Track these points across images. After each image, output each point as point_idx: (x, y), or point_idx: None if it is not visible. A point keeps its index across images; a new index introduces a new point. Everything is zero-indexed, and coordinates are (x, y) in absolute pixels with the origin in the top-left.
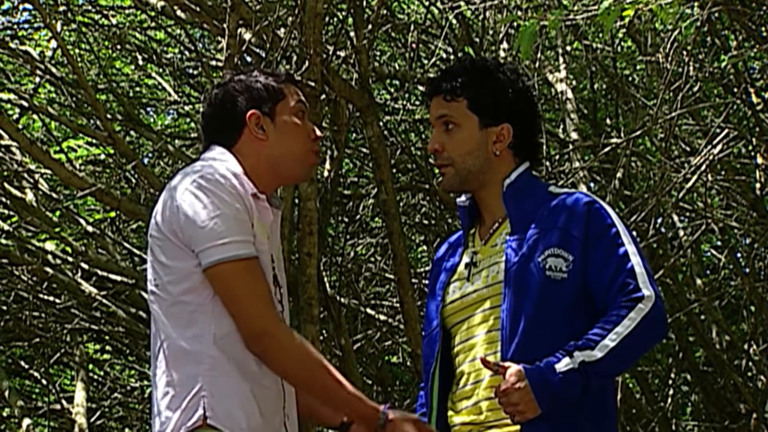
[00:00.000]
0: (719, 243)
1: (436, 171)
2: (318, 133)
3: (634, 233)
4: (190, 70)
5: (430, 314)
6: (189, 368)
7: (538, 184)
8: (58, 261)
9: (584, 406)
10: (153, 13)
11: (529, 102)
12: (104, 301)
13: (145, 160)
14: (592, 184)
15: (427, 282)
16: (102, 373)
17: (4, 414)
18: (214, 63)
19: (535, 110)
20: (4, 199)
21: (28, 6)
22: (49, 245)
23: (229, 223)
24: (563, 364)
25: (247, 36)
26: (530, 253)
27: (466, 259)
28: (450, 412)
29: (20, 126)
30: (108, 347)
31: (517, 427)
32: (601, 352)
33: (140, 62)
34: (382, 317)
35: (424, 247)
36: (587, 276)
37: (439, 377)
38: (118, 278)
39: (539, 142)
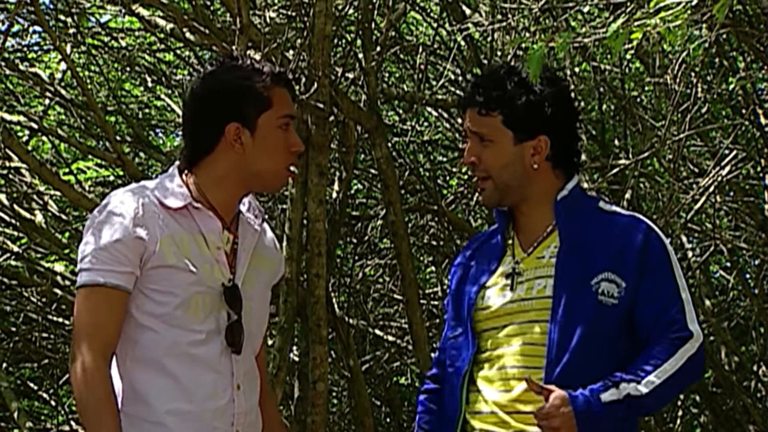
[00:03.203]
0: (728, 264)
1: (445, 192)
2: (299, 147)
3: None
4: None
5: (461, 313)
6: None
7: (588, 199)
8: (67, 282)
9: None
10: (162, 36)
11: (567, 111)
12: None
13: None
14: None
15: (438, 302)
16: None
17: None
18: None
19: (574, 118)
20: (13, 221)
21: (38, 28)
22: (58, 266)
23: (90, 252)
24: (609, 394)
25: (256, 58)
26: (584, 273)
27: (504, 267)
28: (467, 415)
29: (30, 148)
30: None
31: None
32: (647, 387)
33: (149, 84)
34: (390, 338)
35: (433, 268)
36: (636, 305)
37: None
38: None
39: (579, 150)
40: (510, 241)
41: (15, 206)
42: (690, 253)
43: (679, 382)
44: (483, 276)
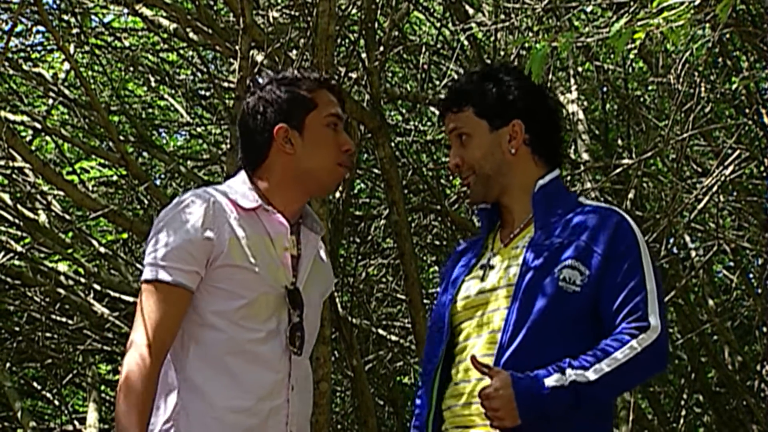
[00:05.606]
0: (731, 264)
1: (448, 192)
2: (350, 145)
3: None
4: (203, 92)
5: (439, 311)
6: (169, 399)
7: (568, 193)
8: (71, 282)
9: (575, 426)
10: (165, 36)
11: (539, 98)
12: (116, 322)
13: (158, 181)
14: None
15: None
16: (114, 394)
17: None
18: (226, 85)
19: (548, 107)
20: (17, 221)
21: (41, 28)
22: (62, 266)
23: (158, 249)
24: (553, 380)
25: (259, 58)
26: (548, 260)
27: (482, 259)
28: (444, 413)
29: (33, 148)
30: (120, 368)
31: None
32: (595, 374)
33: (153, 84)
34: (393, 338)
35: (436, 268)
36: (600, 294)
37: (440, 376)
38: (131, 299)
39: (560, 140)
40: (492, 235)
41: (18, 206)
42: (693, 253)
43: (633, 372)
44: (462, 272)
